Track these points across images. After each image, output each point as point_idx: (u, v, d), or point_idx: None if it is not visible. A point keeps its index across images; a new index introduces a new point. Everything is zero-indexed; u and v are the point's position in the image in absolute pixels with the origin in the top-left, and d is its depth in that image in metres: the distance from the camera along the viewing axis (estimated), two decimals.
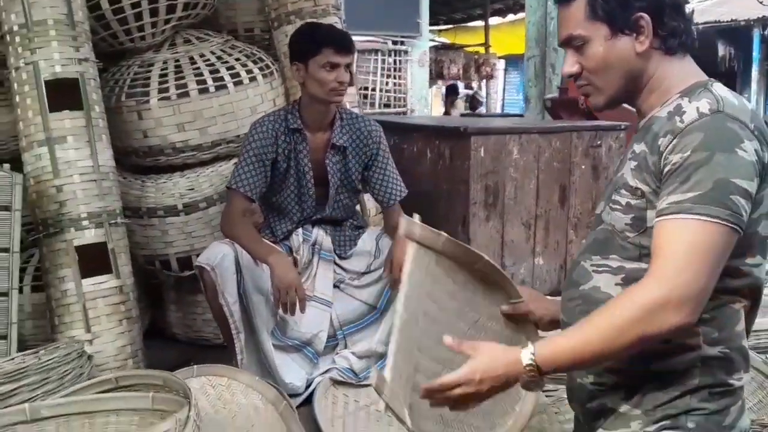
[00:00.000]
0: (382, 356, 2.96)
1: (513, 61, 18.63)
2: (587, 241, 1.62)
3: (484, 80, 15.01)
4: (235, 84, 3.30)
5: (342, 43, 2.84)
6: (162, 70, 3.27)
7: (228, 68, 3.32)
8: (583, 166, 3.83)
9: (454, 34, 15.87)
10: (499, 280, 1.75)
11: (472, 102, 15.83)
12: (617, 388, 1.51)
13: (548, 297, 1.96)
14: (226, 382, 2.63)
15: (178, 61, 3.31)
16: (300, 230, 3.04)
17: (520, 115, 6.17)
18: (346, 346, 3.00)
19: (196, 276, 3.20)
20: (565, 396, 2.11)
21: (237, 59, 3.38)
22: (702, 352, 1.44)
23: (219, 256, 2.73)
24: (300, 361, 2.92)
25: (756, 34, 13.52)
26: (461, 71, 14.20)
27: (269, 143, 2.90)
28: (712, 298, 1.40)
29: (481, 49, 14.73)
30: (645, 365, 1.46)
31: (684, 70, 1.52)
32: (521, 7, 14.53)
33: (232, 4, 3.78)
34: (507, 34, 16.29)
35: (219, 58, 3.36)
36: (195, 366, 2.64)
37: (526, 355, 1.39)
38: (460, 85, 15.63)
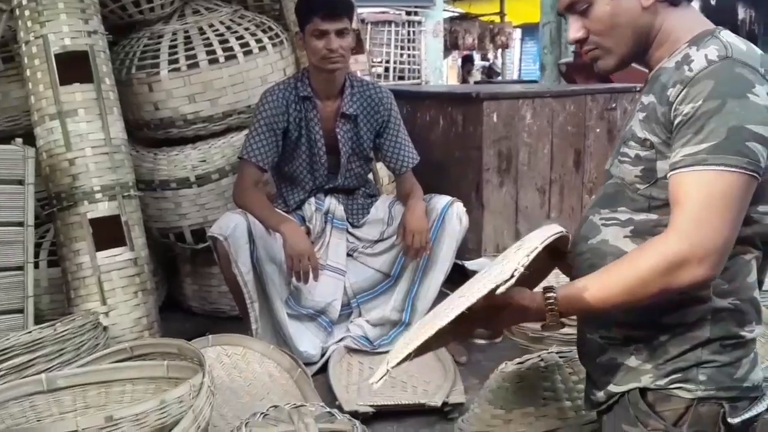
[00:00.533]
0: (396, 323, 2.97)
1: (529, 30, 18.40)
2: (596, 196, 1.60)
3: (500, 50, 14.88)
4: (245, 54, 3.28)
5: (329, 8, 2.79)
6: (172, 41, 3.26)
7: (237, 38, 3.30)
8: (598, 130, 3.78)
9: (469, 3, 15.65)
10: None
11: (489, 72, 15.72)
12: (627, 343, 1.50)
13: None
14: (241, 351, 2.65)
15: (187, 32, 3.30)
16: (312, 199, 3.04)
17: (535, 81, 6.06)
18: (360, 314, 3.01)
19: (210, 248, 3.23)
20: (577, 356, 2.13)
21: (246, 29, 3.36)
22: (712, 304, 1.42)
23: (231, 226, 2.73)
24: (314, 329, 2.93)
25: None
26: (476, 41, 14.07)
27: (280, 112, 2.89)
28: None
29: (497, 19, 14.60)
30: (655, 319, 1.44)
31: (690, 20, 1.48)
32: None
33: None
34: (523, 3, 16.07)
35: (228, 28, 3.33)
36: (210, 336, 2.66)
37: (549, 294, 1.41)
38: (476, 55, 15.52)
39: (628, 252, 1.42)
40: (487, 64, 16.25)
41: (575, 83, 4.92)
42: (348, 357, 2.87)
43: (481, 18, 14.78)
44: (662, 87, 1.41)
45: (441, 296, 3.00)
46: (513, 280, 1.32)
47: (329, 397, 2.53)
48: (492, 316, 1.44)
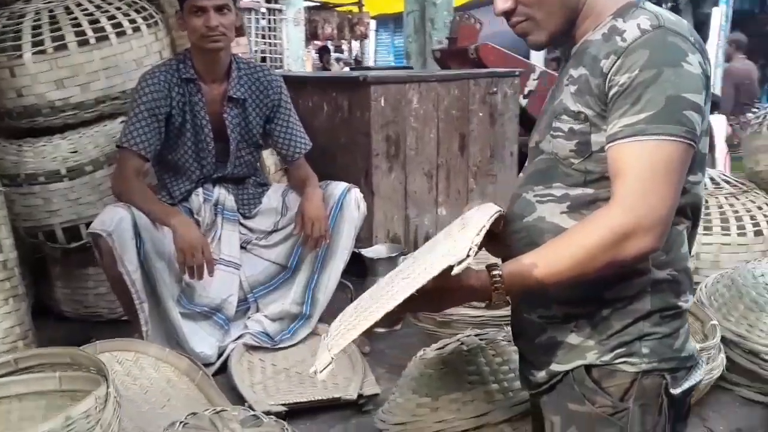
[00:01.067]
0: (296, 317, 2.86)
1: (383, 21, 18.60)
2: (525, 173, 1.56)
3: (359, 40, 14.91)
4: (118, 35, 3.04)
5: None
6: (35, 21, 2.95)
7: (109, 18, 3.04)
8: (480, 114, 3.81)
9: None
10: None
11: (356, 63, 15.74)
12: (567, 320, 1.47)
13: None
14: (133, 357, 2.43)
15: (52, 11, 3.00)
16: (200, 190, 2.86)
17: (409, 67, 6.08)
18: (258, 309, 2.87)
19: (84, 247, 2.98)
20: (499, 337, 2.11)
21: (118, 8, 3.10)
22: (652, 276, 1.41)
23: (115, 221, 2.51)
24: (209, 328, 2.76)
25: None
26: (335, 31, 14.03)
27: (162, 96, 2.70)
28: None
29: (355, 9, 14.59)
30: (595, 294, 1.42)
31: None
32: None
33: None
34: None
35: (98, 7, 3.07)
36: (97, 342, 2.43)
37: (494, 270, 1.34)
38: (330, 46, 15.48)
39: (571, 227, 1.39)
40: (342, 55, 16.25)
41: (449, 69, 4.95)
42: (248, 355, 2.72)
43: (339, 8, 14.75)
44: (593, 59, 1.38)
45: (340, 286, 2.92)
46: (470, 260, 1.25)
47: (235, 399, 2.38)
48: (438, 297, 1.35)
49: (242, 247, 2.89)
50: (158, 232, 2.63)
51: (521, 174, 1.61)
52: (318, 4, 14.49)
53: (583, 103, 1.39)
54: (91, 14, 3.03)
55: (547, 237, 1.44)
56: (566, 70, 1.48)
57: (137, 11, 3.17)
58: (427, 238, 3.75)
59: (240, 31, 2.95)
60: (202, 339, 2.70)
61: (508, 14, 1.46)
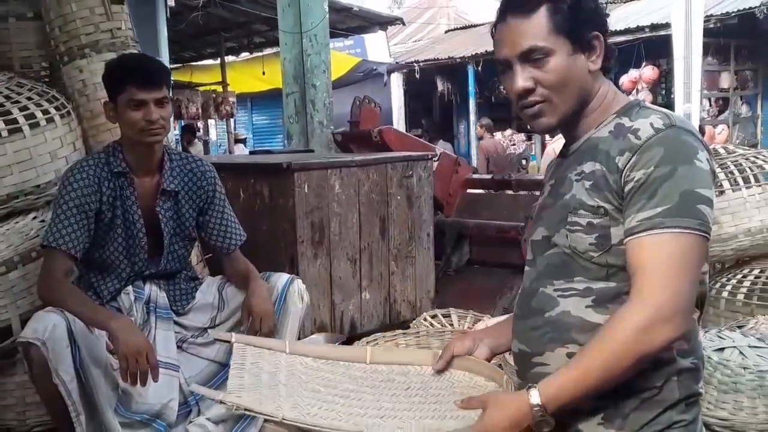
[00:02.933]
0: (240, 417, 2.70)
1: (240, 99, 18.59)
2: (537, 267, 1.57)
3: (224, 119, 14.80)
4: (32, 126, 2.86)
5: (146, 77, 2.55)
6: None
7: (21, 109, 2.87)
8: (398, 197, 3.85)
9: (190, 72, 15.43)
10: None
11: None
12: (595, 413, 1.48)
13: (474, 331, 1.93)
14: None
15: None
16: (130, 288, 2.69)
17: (310, 150, 6.09)
18: (199, 413, 2.69)
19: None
20: None
21: (29, 98, 2.94)
22: (677, 365, 1.46)
23: (49, 328, 2.30)
24: None
25: (471, 70, 14.79)
26: (200, 110, 13.89)
27: (92, 191, 2.55)
28: None
29: (218, 88, 14.51)
30: (625, 385, 1.44)
31: (611, 91, 1.55)
32: (256, 46, 14.66)
33: (6, 38, 3.29)
34: (240, 73, 16.23)
35: (8, 97, 2.89)
36: None
37: (533, 397, 1.38)
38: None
39: (597, 333, 1.41)
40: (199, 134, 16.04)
41: (351, 152, 5.02)
42: None
43: (202, 87, 14.63)
44: (606, 155, 1.44)
45: None
46: None
47: None
48: None
49: (178, 347, 2.73)
50: (92, 336, 2.43)
51: (528, 268, 1.62)
52: (181, 83, 14.29)
53: (601, 198, 1.43)
54: (1, 105, 2.85)
55: (574, 331, 1.47)
56: (571, 166, 1.53)
57: (49, 101, 3.02)
58: (352, 324, 3.70)
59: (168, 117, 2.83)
60: None
61: (526, 93, 1.48)
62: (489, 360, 1.75)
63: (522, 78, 1.47)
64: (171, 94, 2.72)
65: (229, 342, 1.86)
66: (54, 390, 2.32)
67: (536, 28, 1.45)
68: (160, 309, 2.71)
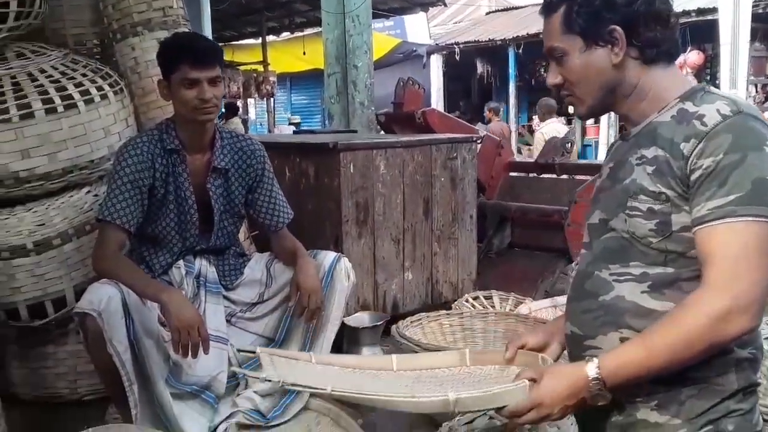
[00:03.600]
0: (286, 392, 2.75)
1: (279, 79, 18.68)
2: (593, 250, 1.58)
3: (265, 98, 14.91)
4: (86, 102, 2.91)
5: (199, 56, 2.56)
6: None
7: (76, 85, 2.92)
8: (442, 179, 3.86)
9: (232, 51, 15.53)
10: None
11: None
12: (650, 398, 1.48)
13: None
14: None
15: (14, 77, 2.85)
16: (181, 262, 2.74)
17: (353, 131, 6.12)
18: (247, 385, 2.74)
19: (48, 326, 2.80)
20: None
21: (84, 75, 2.99)
22: (735, 355, 1.45)
23: (105, 299, 2.36)
24: (198, 407, 2.61)
25: (511, 52, 14.67)
26: (241, 89, 13.99)
27: (145, 167, 2.59)
28: None
29: (259, 68, 14.60)
30: (681, 373, 1.44)
31: (673, 77, 1.54)
32: (297, 26, 14.70)
33: (60, 15, 3.36)
34: (281, 53, 16.30)
35: (63, 73, 2.94)
36: (90, 430, 2.26)
37: (591, 369, 1.39)
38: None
39: (666, 316, 1.41)
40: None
41: (394, 133, 5.03)
42: None
43: (243, 67, 14.72)
44: (670, 141, 1.43)
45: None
46: None
47: None
48: (543, 417, 1.44)
49: (227, 321, 2.78)
50: (146, 309, 2.50)
51: (584, 251, 1.63)
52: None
53: (663, 184, 1.42)
54: (57, 81, 2.91)
55: (628, 316, 1.47)
56: (631, 150, 1.52)
57: (103, 77, 3.06)
58: (395, 304, 3.73)
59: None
60: (192, 420, 2.55)
61: (557, 87, 1.57)
62: (560, 356, 1.74)
63: (551, 74, 1.57)
64: (223, 74, 2.75)
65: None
66: (108, 360, 2.38)
67: (553, 29, 1.53)
68: (209, 283, 2.76)
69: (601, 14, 1.47)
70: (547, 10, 1.55)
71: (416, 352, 2.65)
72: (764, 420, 2.33)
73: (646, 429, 1.48)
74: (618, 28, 1.47)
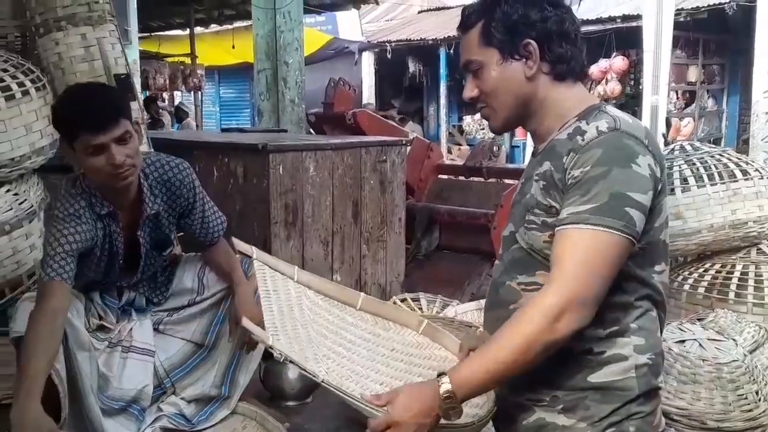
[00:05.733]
0: (213, 399, 2.72)
1: (208, 72, 18.38)
2: (503, 261, 1.65)
3: (192, 91, 14.63)
4: (7, 99, 2.84)
5: (98, 119, 2.24)
6: None
7: None
8: (372, 181, 3.89)
9: (158, 42, 15.19)
10: None
11: (178, 113, 15.36)
12: (555, 402, 1.55)
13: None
14: None
15: None
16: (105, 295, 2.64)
17: (283, 130, 6.07)
18: (174, 393, 2.70)
19: None
20: None
21: (4, 70, 2.92)
22: (634, 361, 1.53)
23: None
24: (124, 421, 2.54)
25: (443, 52, 14.80)
26: (167, 82, 13.70)
27: (90, 237, 2.39)
28: (635, 308, 1.52)
29: (187, 60, 14.31)
30: (583, 379, 1.52)
31: (577, 96, 1.61)
32: (226, 18, 14.48)
33: None
34: (209, 46, 16.03)
35: None
36: None
37: (443, 385, 1.43)
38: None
39: (512, 316, 1.47)
40: (163, 104, 15.82)
41: (324, 134, 5.03)
42: None
43: (170, 59, 14.42)
44: (557, 156, 1.51)
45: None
46: None
47: None
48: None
49: (154, 329, 2.71)
50: (76, 321, 2.41)
51: (497, 261, 1.69)
52: (149, 53, 14.07)
53: (551, 198, 1.51)
54: None
55: None
56: (536, 166, 1.59)
57: (24, 73, 2.99)
58: None
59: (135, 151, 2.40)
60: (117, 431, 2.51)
61: (473, 100, 1.63)
62: None
63: (468, 88, 1.63)
64: (139, 115, 2.57)
65: (250, 257, 1.93)
66: None
67: (471, 43, 1.59)
68: (136, 306, 2.70)
69: (518, 29, 1.54)
70: (464, 26, 1.61)
71: None
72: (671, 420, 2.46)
73: (556, 431, 1.55)
74: (533, 42, 1.54)
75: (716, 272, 3.38)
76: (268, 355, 2.89)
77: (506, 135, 13.10)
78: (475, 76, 1.60)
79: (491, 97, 1.60)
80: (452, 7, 16.22)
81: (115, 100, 2.36)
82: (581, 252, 1.41)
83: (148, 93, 13.91)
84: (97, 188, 2.40)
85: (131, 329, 2.63)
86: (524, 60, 1.55)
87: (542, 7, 1.54)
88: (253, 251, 1.92)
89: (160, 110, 14.36)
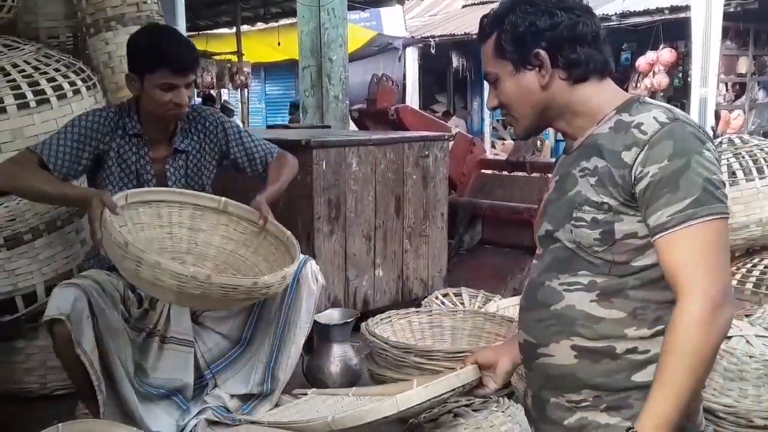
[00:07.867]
0: (254, 396, 2.77)
1: (253, 70, 18.57)
2: (543, 261, 1.63)
3: (239, 89, 14.81)
4: (59, 98, 2.92)
5: (182, 62, 2.54)
6: None
7: (49, 80, 2.93)
8: (414, 176, 3.90)
9: (206, 41, 15.40)
10: None
11: (224, 111, 15.55)
12: (598, 402, 1.54)
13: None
14: None
15: None
16: None
17: (327, 126, 6.13)
18: (216, 384, 2.75)
19: (18, 321, 2.80)
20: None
21: (57, 70, 2.99)
22: None
23: (71, 302, 2.36)
24: (167, 407, 2.62)
25: None
26: (215, 79, 13.87)
27: (101, 134, 2.58)
28: (671, 303, 1.50)
29: (233, 58, 14.49)
30: (627, 379, 1.52)
31: (607, 90, 1.60)
32: (272, 16, 14.62)
33: (33, 8, 3.35)
34: (256, 43, 16.20)
35: (36, 68, 2.94)
36: (60, 425, 2.27)
37: None
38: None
39: (662, 349, 1.44)
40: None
41: (367, 129, 5.06)
42: (210, 431, 2.62)
43: (217, 57, 14.61)
44: (610, 151, 1.49)
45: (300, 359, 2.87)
46: None
47: None
48: None
49: (193, 320, 2.77)
50: (110, 309, 2.48)
51: (535, 261, 1.68)
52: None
53: (606, 194, 1.48)
54: (29, 76, 2.92)
55: (578, 325, 1.53)
56: (574, 163, 1.58)
57: (75, 72, 3.07)
58: (365, 300, 3.77)
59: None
60: (159, 419, 2.57)
61: (496, 109, 1.68)
62: (511, 371, 1.85)
63: (491, 99, 1.66)
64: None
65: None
66: (77, 360, 2.38)
67: (487, 55, 1.62)
68: None
69: (526, 40, 1.55)
70: (481, 38, 1.63)
71: (384, 350, 2.70)
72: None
73: (597, 430, 1.54)
74: (542, 51, 1.54)
75: (765, 267, 3.33)
76: (309, 349, 2.94)
77: (551, 129, 12.96)
78: (494, 87, 1.63)
79: (510, 108, 1.62)
80: (495, 1, 16.11)
81: (196, 53, 2.69)
82: (700, 250, 1.41)
83: (196, 91, 14.15)
84: (136, 111, 2.63)
85: (168, 315, 2.66)
86: (537, 69, 1.56)
87: (552, 14, 1.53)
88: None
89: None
